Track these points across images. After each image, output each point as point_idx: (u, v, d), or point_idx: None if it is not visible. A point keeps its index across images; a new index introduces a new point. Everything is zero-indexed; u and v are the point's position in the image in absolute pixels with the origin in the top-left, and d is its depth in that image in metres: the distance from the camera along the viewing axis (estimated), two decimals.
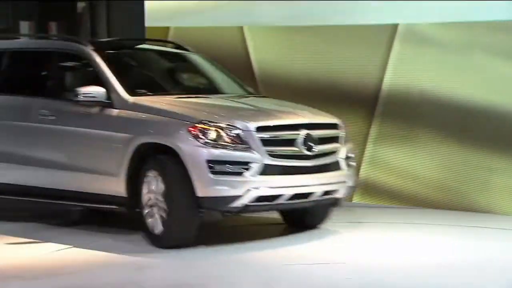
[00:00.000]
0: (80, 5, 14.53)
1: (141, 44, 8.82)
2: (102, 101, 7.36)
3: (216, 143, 6.76)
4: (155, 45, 8.83)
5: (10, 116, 8.14)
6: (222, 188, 6.69)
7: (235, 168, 6.73)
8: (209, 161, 6.70)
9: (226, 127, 6.83)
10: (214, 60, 8.68)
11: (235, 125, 6.85)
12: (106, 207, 7.40)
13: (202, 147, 6.73)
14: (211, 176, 6.69)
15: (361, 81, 9.41)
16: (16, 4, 14.83)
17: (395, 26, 9.24)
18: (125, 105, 7.32)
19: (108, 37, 14.60)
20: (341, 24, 9.47)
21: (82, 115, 7.51)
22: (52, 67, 8.09)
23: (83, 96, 7.35)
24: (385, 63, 9.32)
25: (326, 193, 7.26)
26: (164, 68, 8.63)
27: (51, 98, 7.88)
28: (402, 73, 9.27)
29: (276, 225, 8.02)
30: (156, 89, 7.88)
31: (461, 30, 8.91)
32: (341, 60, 9.53)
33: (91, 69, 7.69)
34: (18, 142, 8.03)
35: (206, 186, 6.69)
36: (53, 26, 15.65)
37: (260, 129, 6.90)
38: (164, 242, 6.90)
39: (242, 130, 6.84)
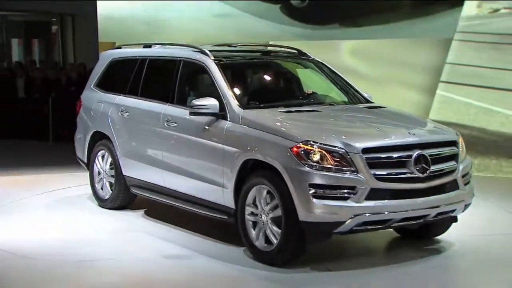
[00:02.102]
0: (54, 27, 22.34)
1: (261, 53, 8.65)
2: (215, 113, 7.32)
3: (319, 165, 6.48)
4: (274, 53, 8.65)
5: (140, 119, 8.40)
6: (325, 213, 6.42)
7: (340, 193, 6.43)
8: (311, 185, 6.44)
9: (331, 148, 6.51)
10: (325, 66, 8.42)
11: (340, 146, 6.52)
12: (216, 216, 7.38)
13: (305, 169, 6.48)
14: (314, 200, 6.43)
15: None
16: (8, 24, 22.01)
17: None
18: (236, 118, 7.21)
19: (74, 51, 21.30)
20: None
21: (198, 125, 7.52)
22: (178, 75, 8.08)
23: (197, 108, 7.34)
24: None
25: (441, 213, 6.85)
26: (280, 78, 8.31)
27: (175, 106, 7.96)
28: None
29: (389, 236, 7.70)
30: (268, 101, 7.59)
31: None
32: None
33: (209, 79, 7.67)
34: (147, 144, 8.29)
35: (308, 211, 6.43)
36: (35, 42, 22.71)
37: (366, 150, 6.53)
38: (273, 258, 6.77)
39: (347, 151, 6.50)
